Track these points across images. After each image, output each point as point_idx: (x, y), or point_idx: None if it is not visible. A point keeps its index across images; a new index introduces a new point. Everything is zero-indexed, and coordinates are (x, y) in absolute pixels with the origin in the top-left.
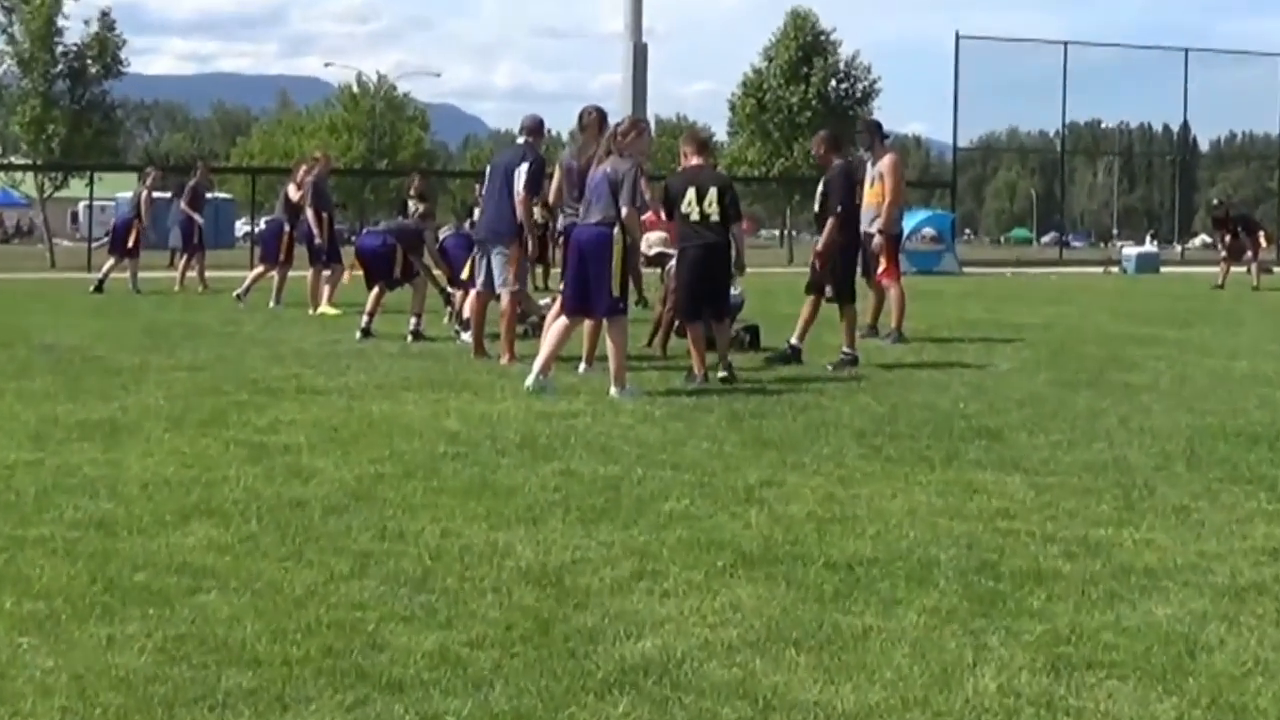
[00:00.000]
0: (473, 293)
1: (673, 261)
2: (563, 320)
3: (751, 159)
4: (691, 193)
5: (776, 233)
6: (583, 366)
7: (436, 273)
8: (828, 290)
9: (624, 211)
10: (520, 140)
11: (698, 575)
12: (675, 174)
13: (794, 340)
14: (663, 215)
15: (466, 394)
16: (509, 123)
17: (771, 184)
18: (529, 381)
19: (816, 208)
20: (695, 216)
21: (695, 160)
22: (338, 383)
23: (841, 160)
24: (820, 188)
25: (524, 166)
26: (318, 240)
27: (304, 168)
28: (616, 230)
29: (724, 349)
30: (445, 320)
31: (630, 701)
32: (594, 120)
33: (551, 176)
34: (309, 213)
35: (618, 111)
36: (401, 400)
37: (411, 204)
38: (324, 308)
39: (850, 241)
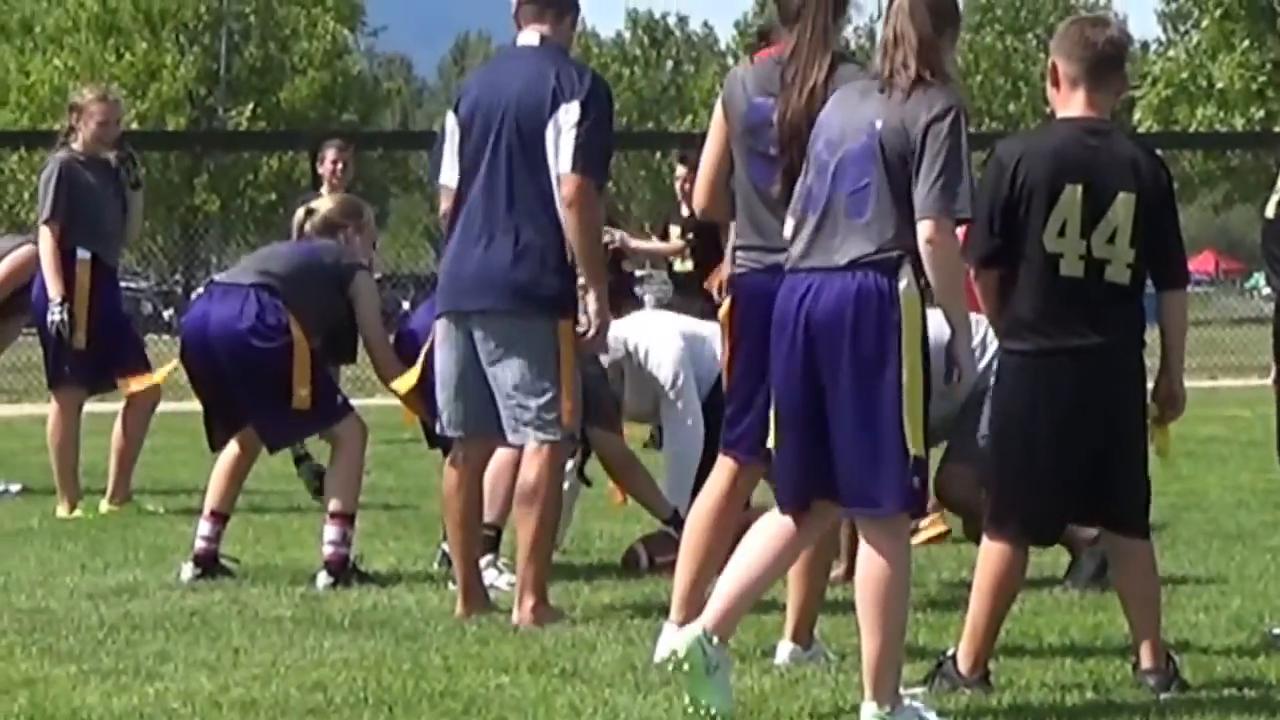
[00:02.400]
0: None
1: None
2: (773, 524)
3: (1225, 88)
4: (1070, 199)
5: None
6: (787, 648)
7: (394, 395)
8: None
9: (925, 227)
10: (530, 39)
11: None
12: (1019, 139)
13: None
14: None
15: None
16: None
17: None
18: (675, 642)
19: None
20: (1073, 264)
21: (1079, 108)
22: (136, 700)
23: None
24: None
25: (566, 113)
26: (54, 316)
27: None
28: (907, 283)
29: (1147, 624)
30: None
31: None
32: None
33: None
34: (42, 246)
35: None
36: None
37: (318, 212)
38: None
39: None
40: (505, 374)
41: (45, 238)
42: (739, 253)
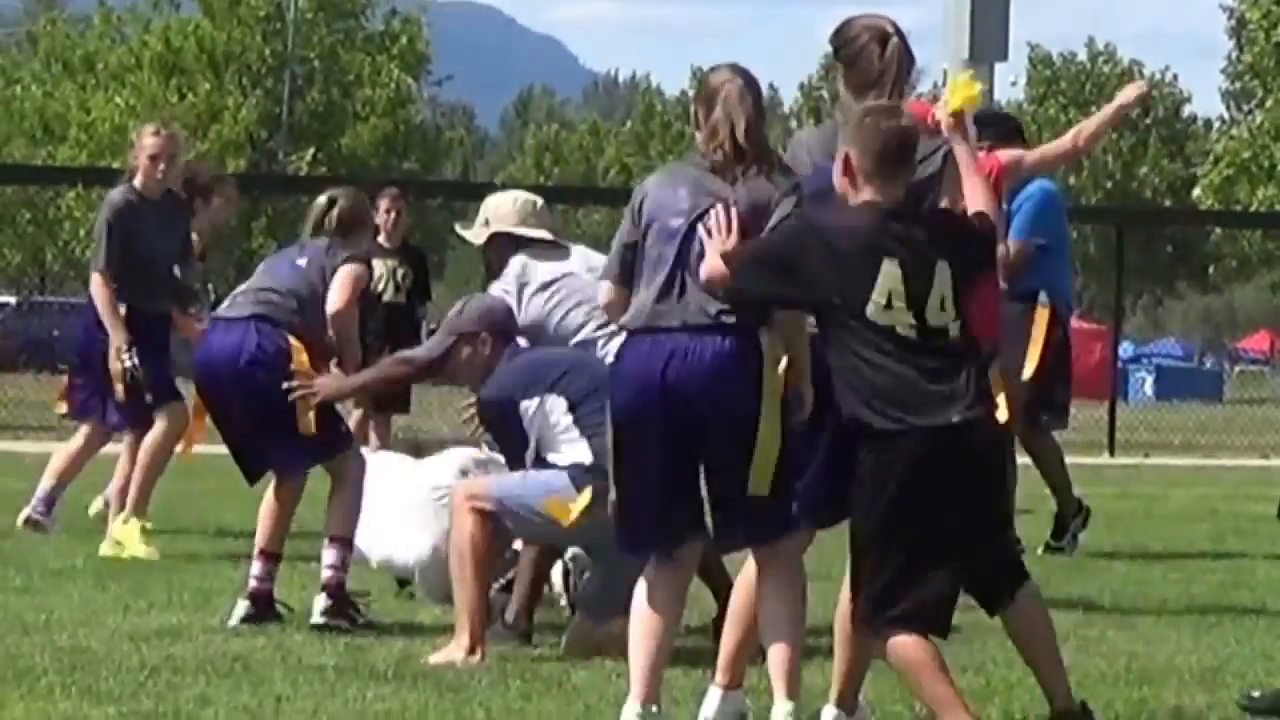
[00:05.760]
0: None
1: None
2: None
3: None
4: (889, 273)
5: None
6: (831, 713)
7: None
8: None
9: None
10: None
11: None
12: (841, 210)
13: None
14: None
15: None
16: (626, 60)
17: None
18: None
19: None
20: (905, 328)
21: (869, 196)
22: None
23: None
24: None
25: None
26: (126, 362)
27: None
28: (769, 339)
29: (1051, 666)
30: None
31: None
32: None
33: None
34: (95, 294)
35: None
36: None
37: (339, 204)
38: (119, 533)
39: None
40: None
41: (97, 285)
42: None
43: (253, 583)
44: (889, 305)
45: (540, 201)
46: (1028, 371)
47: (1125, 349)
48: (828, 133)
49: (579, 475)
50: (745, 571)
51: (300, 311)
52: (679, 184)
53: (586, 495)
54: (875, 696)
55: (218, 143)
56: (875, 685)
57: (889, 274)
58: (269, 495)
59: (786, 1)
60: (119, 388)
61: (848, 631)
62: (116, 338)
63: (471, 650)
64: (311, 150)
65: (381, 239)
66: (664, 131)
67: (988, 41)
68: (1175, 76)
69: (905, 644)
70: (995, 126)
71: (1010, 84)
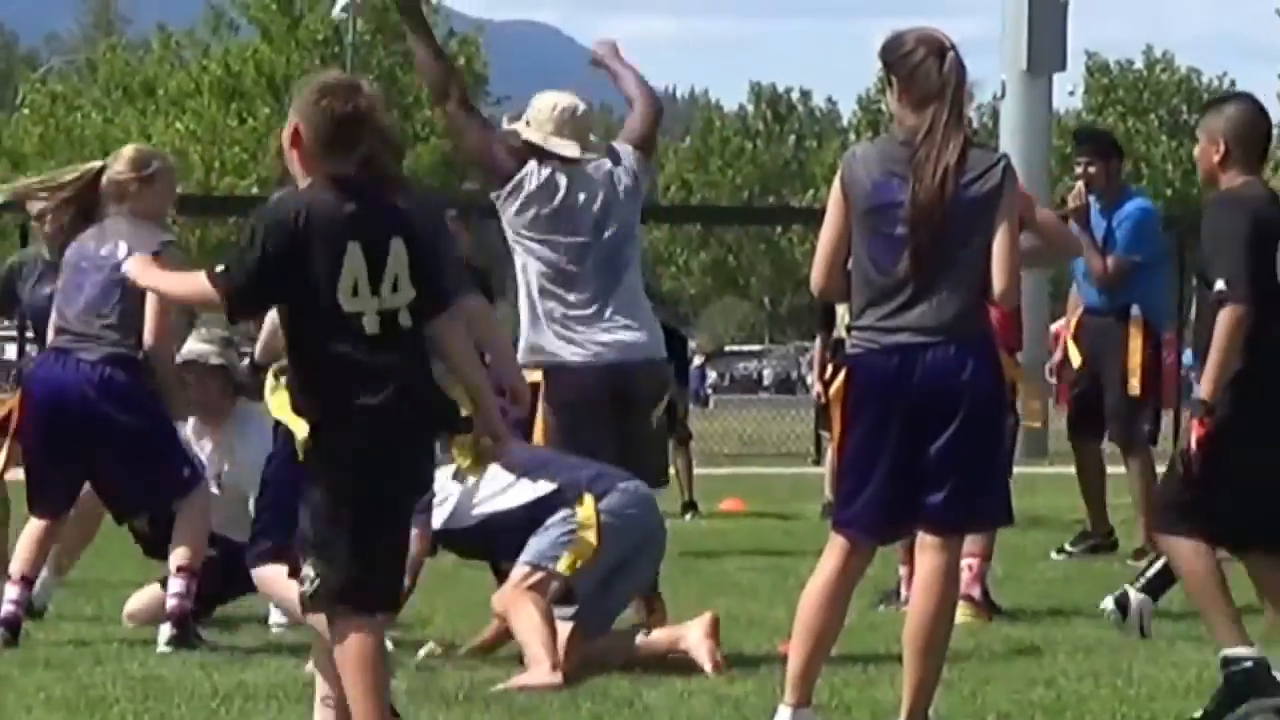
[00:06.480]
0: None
1: None
2: None
3: None
4: (354, 256)
5: None
6: None
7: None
8: None
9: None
10: None
11: None
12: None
13: None
14: None
15: None
16: (684, 76)
17: None
18: None
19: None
20: (372, 321)
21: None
22: None
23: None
24: None
25: None
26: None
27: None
28: None
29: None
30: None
31: None
32: (955, 65)
33: None
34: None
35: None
36: None
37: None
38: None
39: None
40: None
41: None
42: (855, 333)
43: (9, 607)
44: (355, 292)
45: (582, 108)
46: (1134, 387)
47: (1187, 356)
48: (885, 147)
49: (556, 509)
50: (811, 585)
51: (136, 326)
52: None
53: (589, 505)
54: (946, 711)
55: (278, 166)
56: (946, 700)
57: (354, 257)
58: (36, 524)
59: (842, 15)
60: None
61: (918, 647)
62: None
63: (554, 668)
64: None
65: None
66: (723, 147)
67: (1045, 52)
68: (1233, 83)
69: (352, 637)
70: (1091, 143)
71: (1068, 93)
